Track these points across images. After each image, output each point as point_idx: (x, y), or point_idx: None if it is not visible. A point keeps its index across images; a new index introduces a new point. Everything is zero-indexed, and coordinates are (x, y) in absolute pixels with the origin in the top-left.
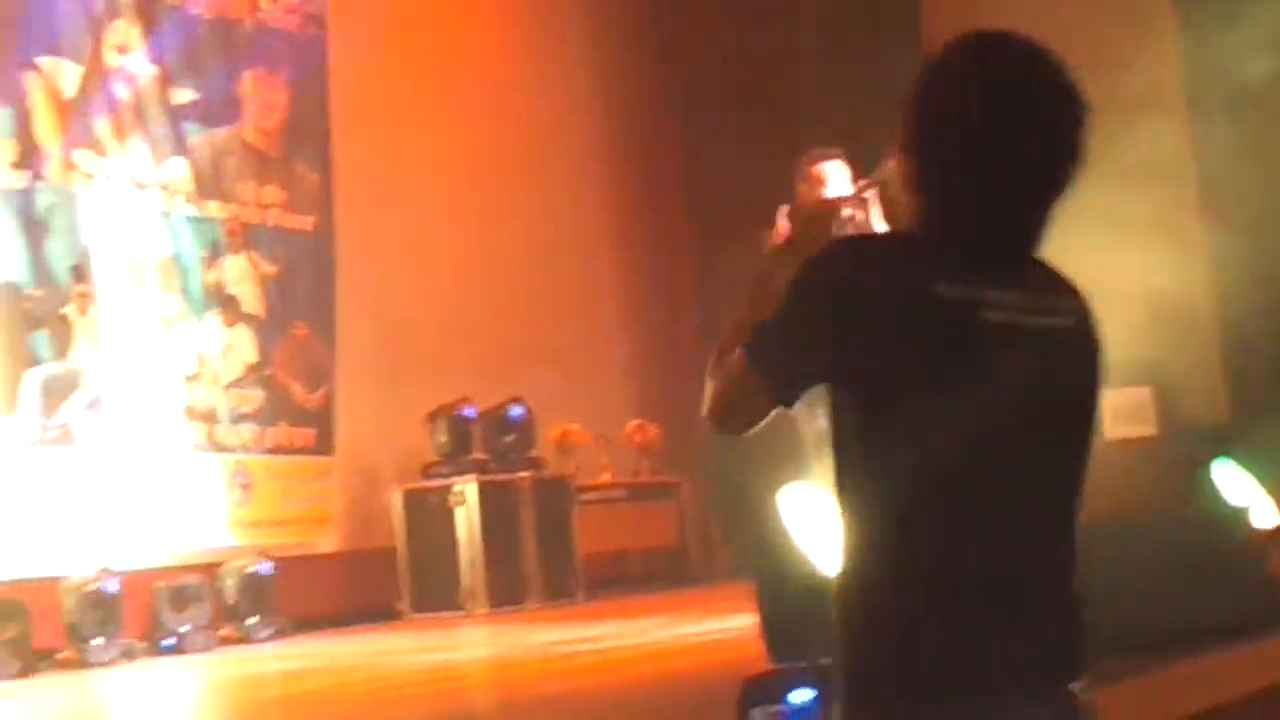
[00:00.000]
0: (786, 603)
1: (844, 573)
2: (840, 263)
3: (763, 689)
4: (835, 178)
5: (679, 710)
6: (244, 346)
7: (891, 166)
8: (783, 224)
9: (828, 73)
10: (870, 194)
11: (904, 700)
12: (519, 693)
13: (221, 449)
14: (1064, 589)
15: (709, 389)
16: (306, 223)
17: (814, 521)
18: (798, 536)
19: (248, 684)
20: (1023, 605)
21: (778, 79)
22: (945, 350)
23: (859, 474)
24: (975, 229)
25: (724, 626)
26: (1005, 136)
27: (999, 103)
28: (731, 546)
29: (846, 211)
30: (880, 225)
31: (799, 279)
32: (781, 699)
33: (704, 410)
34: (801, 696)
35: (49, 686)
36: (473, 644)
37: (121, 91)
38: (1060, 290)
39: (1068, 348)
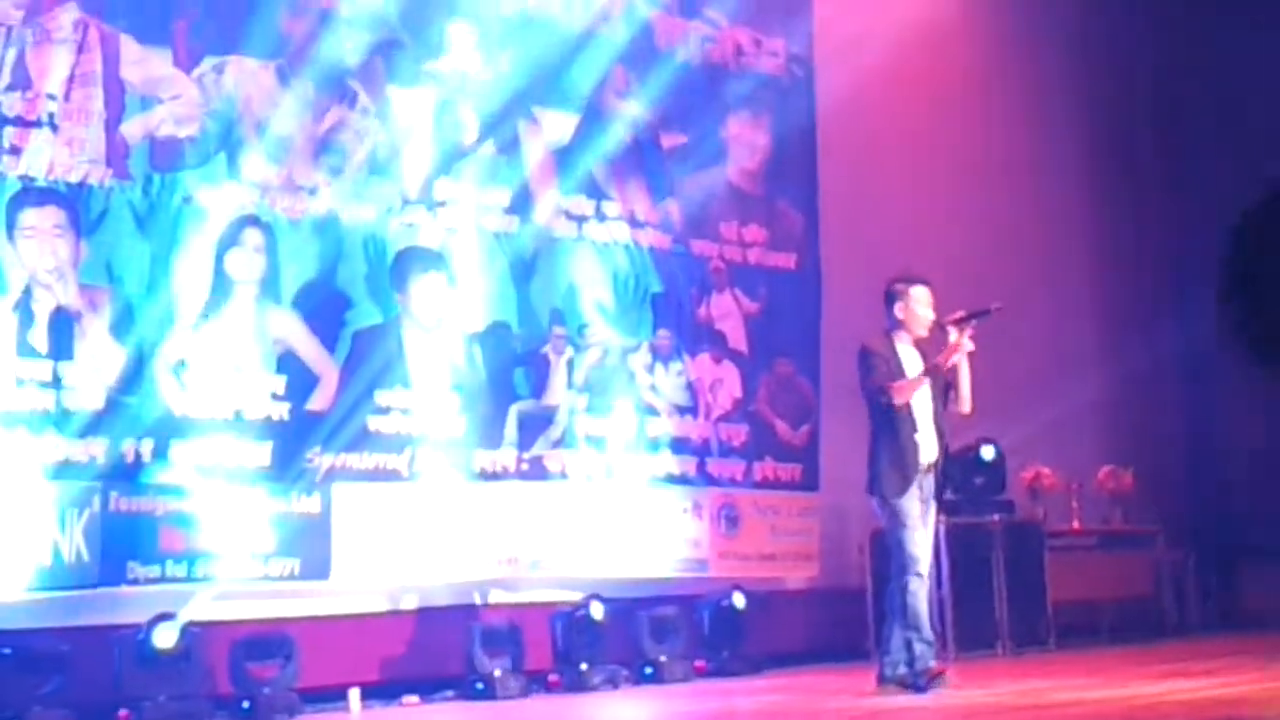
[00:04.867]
0: None
1: None
2: None
3: None
4: None
5: None
6: (731, 381)
7: None
8: None
9: None
10: None
11: None
12: None
13: (711, 481)
14: None
15: None
16: (789, 260)
17: None
18: None
19: (723, 717)
20: None
21: None
22: None
23: None
24: None
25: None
26: None
27: None
28: None
29: None
30: None
31: None
32: None
33: None
34: None
35: (550, 707)
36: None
37: (619, 135)
38: None
39: None
